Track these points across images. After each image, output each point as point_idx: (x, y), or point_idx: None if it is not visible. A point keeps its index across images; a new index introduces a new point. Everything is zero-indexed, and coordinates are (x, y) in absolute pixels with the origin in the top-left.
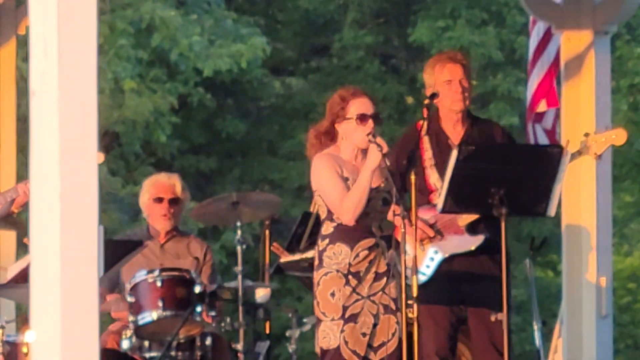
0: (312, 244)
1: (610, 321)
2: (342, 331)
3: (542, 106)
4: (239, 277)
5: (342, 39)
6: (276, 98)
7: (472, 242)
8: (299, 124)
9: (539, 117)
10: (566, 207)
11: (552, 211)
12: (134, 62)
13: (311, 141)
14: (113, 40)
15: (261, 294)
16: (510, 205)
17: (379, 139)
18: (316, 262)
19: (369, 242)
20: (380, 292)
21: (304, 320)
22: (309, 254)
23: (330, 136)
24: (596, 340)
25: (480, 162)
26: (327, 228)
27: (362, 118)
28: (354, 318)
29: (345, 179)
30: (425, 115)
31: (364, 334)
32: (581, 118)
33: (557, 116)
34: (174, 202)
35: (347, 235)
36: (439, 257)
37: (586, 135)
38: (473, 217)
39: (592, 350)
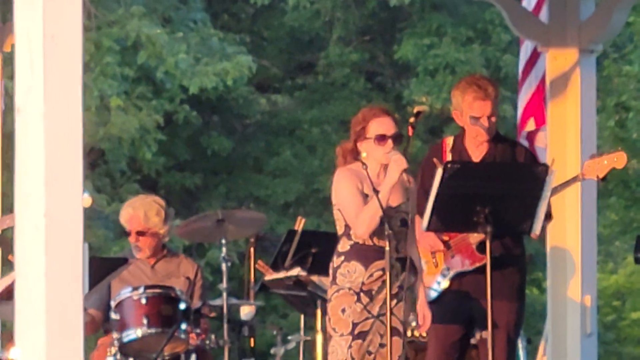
0: (297, 261)
1: (594, 339)
2: (349, 347)
3: (530, 125)
4: (224, 294)
5: (328, 56)
6: (262, 115)
7: (479, 261)
8: (285, 141)
9: (532, 135)
10: (551, 225)
11: (537, 230)
12: (119, 80)
13: (338, 158)
14: (99, 58)
15: (246, 311)
16: (495, 224)
17: (398, 156)
18: (330, 278)
19: (384, 262)
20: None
21: (289, 337)
22: (294, 271)
23: (354, 154)
24: (581, 358)
25: (465, 180)
26: (343, 245)
27: (380, 139)
28: (362, 335)
29: (365, 195)
30: (410, 134)
31: (369, 352)
32: (567, 136)
33: None
34: (141, 233)
35: (363, 254)
36: (449, 275)
37: (591, 157)
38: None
39: None
